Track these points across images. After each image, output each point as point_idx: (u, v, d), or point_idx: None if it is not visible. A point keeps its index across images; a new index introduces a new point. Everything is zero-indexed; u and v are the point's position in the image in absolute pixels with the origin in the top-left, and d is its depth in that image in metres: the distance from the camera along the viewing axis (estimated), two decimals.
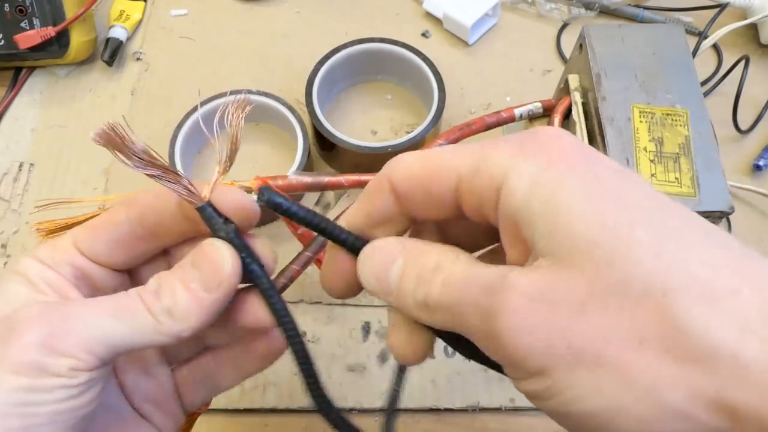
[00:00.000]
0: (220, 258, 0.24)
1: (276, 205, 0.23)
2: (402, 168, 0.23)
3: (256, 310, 0.26)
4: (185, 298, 0.23)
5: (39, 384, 0.21)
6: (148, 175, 0.23)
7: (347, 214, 0.25)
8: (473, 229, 0.24)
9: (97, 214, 0.32)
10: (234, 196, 0.24)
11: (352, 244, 0.24)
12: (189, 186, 0.24)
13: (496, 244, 0.25)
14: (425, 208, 0.23)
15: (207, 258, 0.24)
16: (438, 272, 0.22)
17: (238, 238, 0.24)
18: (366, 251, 0.24)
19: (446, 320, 0.22)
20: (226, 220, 0.24)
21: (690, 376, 0.17)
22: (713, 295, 0.17)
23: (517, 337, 0.19)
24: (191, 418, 0.31)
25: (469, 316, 0.20)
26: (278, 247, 0.48)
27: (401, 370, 0.27)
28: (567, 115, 0.41)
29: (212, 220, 0.24)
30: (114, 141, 0.23)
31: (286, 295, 0.39)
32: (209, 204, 0.24)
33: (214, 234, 0.24)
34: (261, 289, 0.25)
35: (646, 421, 0.18)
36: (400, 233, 0.24)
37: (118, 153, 0.23)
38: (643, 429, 0.18)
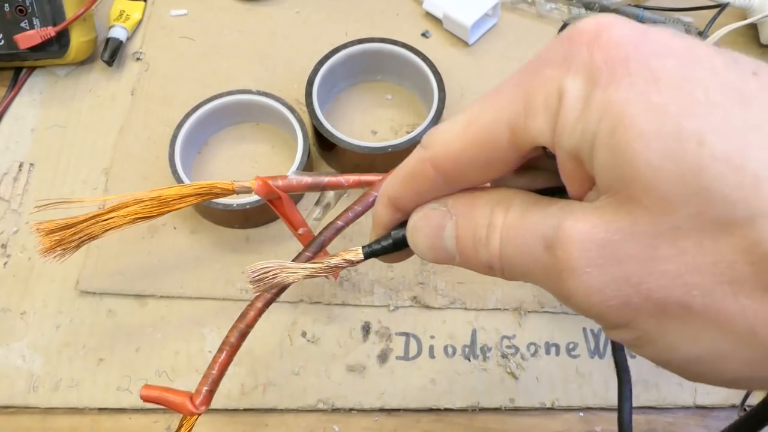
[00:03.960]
0: None
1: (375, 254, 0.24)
2: (442, 149, 0.20)
3: None
4: None
5: None
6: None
7: (378, 211, 0.23)
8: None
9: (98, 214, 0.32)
10: None
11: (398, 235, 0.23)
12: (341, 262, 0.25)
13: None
14: (484, 176, 0.20)
15: None
16: (493, 229, 0.19)
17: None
18: (410, 226, 0.22)
19: (521, 278, 0.19)
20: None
21: None
22: None
23: (588, 298, 0.17)
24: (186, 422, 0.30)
25: (536, 275, 0.18)
26: (278, 247, 0.48)
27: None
28: None
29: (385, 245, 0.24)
30: (268, 283, 0.24)
31: (286, 294, 0.39)
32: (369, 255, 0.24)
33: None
34: None
35: (754, 363, 0.16)
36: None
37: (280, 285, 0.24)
38: (753, 371, 0.16)
